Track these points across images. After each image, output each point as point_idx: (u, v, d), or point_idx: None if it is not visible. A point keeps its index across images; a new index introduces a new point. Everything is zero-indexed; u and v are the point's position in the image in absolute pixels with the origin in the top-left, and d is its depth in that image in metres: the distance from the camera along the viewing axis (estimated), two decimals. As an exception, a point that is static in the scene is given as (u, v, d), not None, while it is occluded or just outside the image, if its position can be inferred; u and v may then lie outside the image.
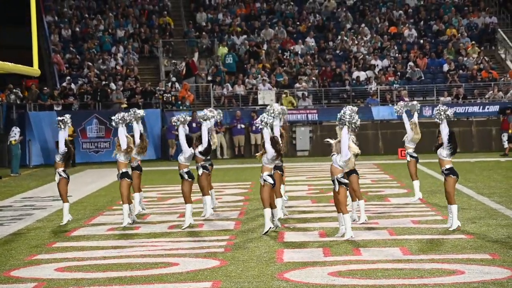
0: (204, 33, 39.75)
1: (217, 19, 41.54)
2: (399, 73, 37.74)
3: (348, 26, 41.36)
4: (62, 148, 15.10)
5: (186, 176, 14.32)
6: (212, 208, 15.93)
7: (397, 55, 39.13)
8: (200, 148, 15.19)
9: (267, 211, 13.16)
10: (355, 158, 13.05)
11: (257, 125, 13.30)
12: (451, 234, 12.76)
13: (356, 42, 39.94)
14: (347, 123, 12.28)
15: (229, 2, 42.73)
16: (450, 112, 13.74)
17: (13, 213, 17.19)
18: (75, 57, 37.58)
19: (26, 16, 18.60)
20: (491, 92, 36.05)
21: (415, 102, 17.15)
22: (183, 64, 37.32)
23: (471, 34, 41.06)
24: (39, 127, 32.39)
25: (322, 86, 36.70)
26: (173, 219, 15.43)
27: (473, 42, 39.88)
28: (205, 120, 15.21)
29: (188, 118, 15.09)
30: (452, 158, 13.31)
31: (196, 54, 38.45)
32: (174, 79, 36.08)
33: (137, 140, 15.44)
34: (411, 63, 38.09)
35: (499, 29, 41.01)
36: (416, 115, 16.90)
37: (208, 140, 15.13)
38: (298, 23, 41.71)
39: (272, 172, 13.26)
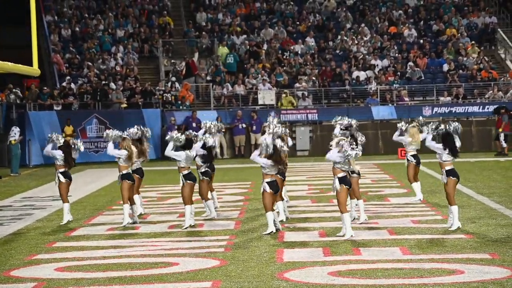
0: (204, 33, 39.76)
1: (217, 19, 41.54)
2: (399, 73, 37.74)
3: (348, 26, 41.37)
4: (57, 153, 15.15)
5: (184, 180, 14.29)
6: (215, 208, 15.93)
7: (397, 55, 39.13)
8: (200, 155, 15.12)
9: (270, 215, 13.16)
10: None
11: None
12: (450, 234, 12.77)
13: (356, 42, 39.94)
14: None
15: (229, 2, 42.73)
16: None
17: (13, 213, 17.19)
18: (75, 57, 37.58)
19: (26, 16, 18.62)
20: (491, 92, 36.05)
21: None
22: (183, 64, 37.32)
23: (471, 34, 41.07)
24: (39, 127, 32.39)
25: (322, 86, 36.70)
26: (173, 219, 15.43)
27: (473, 42, 39.89)
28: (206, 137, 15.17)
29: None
30: (452, 159, 13.27)
31: (196, 54, 38.46)
32: (174, 79, 36.08)
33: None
34: (411, 63, 38.09)
35: (499, 29, 41.02)
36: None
37: (209, 147, 15.05)
38: (298, 23, 41.71)
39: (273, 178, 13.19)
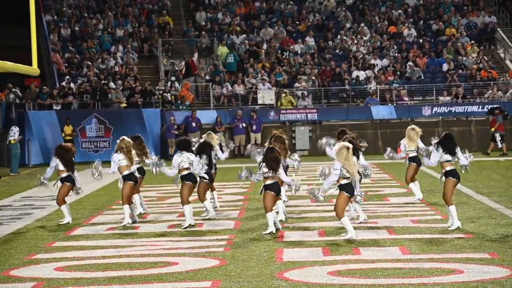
0: (203, 32, 39.76)
1: (216, 18, 41.54)
2: (398, 73, 37.75)
3: (348, 25, 41.37)
4: (54, 162, 15.19)
5: (180, 181, 14.31)
6: (214, 208, 15.92)
7: (396, 54, 39.14)
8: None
9: (270, 215, 13.16)
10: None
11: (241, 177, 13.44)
12: (450, 233, 12.77)
13: (355, 41, 39.95)
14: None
15: (228, 1, 42.73)
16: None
17: (13, 212, 17.19)
18: (74, 56, 37.57)
19: (25, 16, 18.60)
20: (491, 91, 36.06)
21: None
22: (183, 63, 37.32)
23: (471, 33, 41.08)
24: (39, 127, 32.38)
25: (321, 85, 36.71)
26: (172, 219, 15.42)
27: (473, 41, 39.91)
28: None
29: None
30: (453, 158, 13.27)
31: (196, 54, 38.46)
32: (173, 78, 36.07)
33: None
34: (410, 63, 38.10)
35: (498, 29, 41.03)
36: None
37: (209, 157, 15.04)
38: (297, 22, 41.72)
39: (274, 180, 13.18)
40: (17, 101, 33.54)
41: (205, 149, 14.95)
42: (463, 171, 13.45)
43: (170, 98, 35.01)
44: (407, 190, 18.80)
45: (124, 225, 14.50)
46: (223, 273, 10.04)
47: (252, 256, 11.21)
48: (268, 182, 13.10)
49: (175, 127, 33.49)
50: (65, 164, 15.12)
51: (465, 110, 35.17)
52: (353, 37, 40.28)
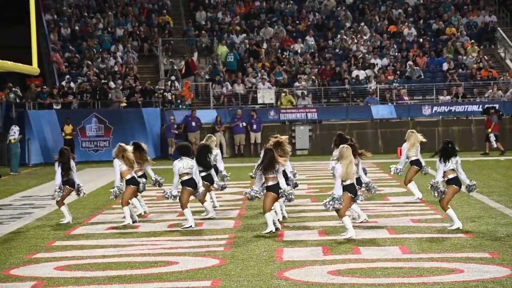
0: (203, 32, 39.75)
1: (216, 17, 41.54)
2: (398, 72, 37.75)
3: (348, 24, 41.37)
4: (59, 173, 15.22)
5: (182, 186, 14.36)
6: (214, 207, 15.92)
7: (396, 54, 39.13)
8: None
9: (269, 215, 13.17)
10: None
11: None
12: (450, 233, 12.77)
13: (355, 41, 39.94)
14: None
15: (228, 1, 42.72)
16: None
17: (13, 211, 17.19)
18: (74, 55, 37.57)
19: (25, 16, 18.60)
20: (491, 91, 36.06)
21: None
22: (182, 63, 37.32)
23: (471, 33, 41.08)
24: (39, 126, 32.38)
25: (321, 85, 36.70)
26: (172, 218, 15.43)
27: (473, 41, 39.90)
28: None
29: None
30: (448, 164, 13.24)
31: (196, 54, 38.45)
32: (173, 78, 36.07)
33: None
34: (410, 62, 38.09)
35: (498, 28, 41.02)
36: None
37: (207, 161, 15.06)
38: (297, 21, 41.71)
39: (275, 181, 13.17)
40: (17, 101, 33.53)
41: (203, 152, 14.98)
42: (467, 192, 13.49)
43: (170, 98, 35.01)
44: (406, 190, 18.80)
45: (125, 225, 14.51)
46: (223, 273, 10.04)
47: (252, 255, 11.21)
48: (270, 183, 13.11)
49: (175, 126, 33.48)
50: (65, 170, 15.19)
51: (465, 110, 35.17)
52: (353, 36, 40.28)
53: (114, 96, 34.41)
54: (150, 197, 18.84)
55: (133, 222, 14.72)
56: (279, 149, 14.03)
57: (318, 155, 33.37)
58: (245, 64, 37.85)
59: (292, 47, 39.30)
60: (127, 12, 41.14)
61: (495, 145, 31.13)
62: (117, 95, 34.42)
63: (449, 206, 13.16)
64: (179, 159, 14.40)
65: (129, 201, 14.91)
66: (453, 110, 35.31)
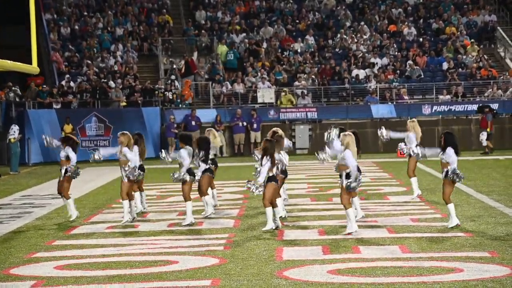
0: (203, 31, 39.76)
1: (216, 17, 41.54)
2: (398, 71, 37.75)
3: (348, 24, 41.38)
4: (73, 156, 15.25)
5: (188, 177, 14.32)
6: (214, 206, 15.92)
7: (396, 53, 39.14)
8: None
9: (269, 210, 13.19)
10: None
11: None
12: (450, 232, 12.78)
13: (355, 40, 39.95)
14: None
15: (228, 0, 42.73)
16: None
17: (12, 211, 17.19)
18: (74, 55, 37.57)
19: (25, 15, 18.60)
20: (490, 90, 36.07)
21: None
22: (182, 62, 37.32)
23: (471, 32, 41.09)
24: (38, 125, 32.37)
25: (321, 84, 36.71)
26: (172, 217, 15.43)
27: (473, 40, 39.91)
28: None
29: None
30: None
31: (195, 53, 38.45)
32: (173, 77, 36.08)
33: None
34: (410, 61, 38.10)
35: (498, 27, 41.03)
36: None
37: (205, 150, 15.06)
38: (297, 21, 41.72)
39: (274, 173, 13.20)
40: (17, 100, 33.54)
41: (202, 144, 14.98)
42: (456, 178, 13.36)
43: (171, 97, 35.02)
44: (407, 189, 18.81)
45: (124, 222, 14.51)
46: (223, 272, 10.05)
47: (251, 254, 11.21)
48: (270, 173, 13.15)
49: (175, 125, 33.48)
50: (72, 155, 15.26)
51: (465, 109, 35.16)
52: (353, 35, 40.28)
53: (114, 96, 34.42)
54: (150, 196, 18.84)
55: (132, 219, 14.70)
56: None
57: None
58: (245, 64, 37.85)
59: (292, 46, 39.31)
60: (127, 12, 41.15)
61: (484, 143, 31.13)
62: (117, 94, 34.43)
63: (451, 200, 13.18)
64: (185, 148, 14.43)
65: (132, 195, 14.92)
66: (453, 110, 35.31)
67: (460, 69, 37.97)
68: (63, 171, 15.27)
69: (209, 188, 15.62)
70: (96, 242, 12.76)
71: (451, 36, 40.29)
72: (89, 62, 36.73)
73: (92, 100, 34.16)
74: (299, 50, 39.14)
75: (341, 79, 37.09)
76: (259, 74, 36.84)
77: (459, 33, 40.50)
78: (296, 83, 36.52)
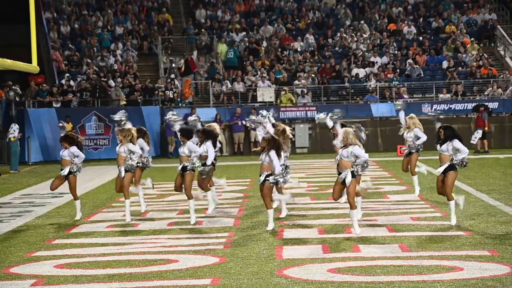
0: (203, 30, 39.74)
1: (216, 16, 41.53)
2: (398, 70, 37.75)
3: (348, 23, 41.37)
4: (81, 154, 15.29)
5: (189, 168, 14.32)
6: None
7: (396, 52, 39.14)
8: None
9: (270, 212, 13.19)
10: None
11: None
12: (450, 230, 12.78)
13: (355, 39, 39.94)
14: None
15: (228, -1, 42.77)
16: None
17: (12, 210, 17.19)
18: (74, 54, 37.56)
19: (25, 14, 18.59)
20: (490, 89, 36.06)
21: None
22: (182, 61, 37.31)
23: (471, 31, 41.08)
24: (38, 124, 32.37)
25: (321, 83, 36.70)
26: (172, 216, 15.43)
27: (473, 39, 39.90)
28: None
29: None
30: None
31: (195, 52, 38.44)
32: (173, 76, 36.07)
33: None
34: (410, 60, 38.09)
35: (498, 26, 41.02)
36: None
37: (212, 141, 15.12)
38: (297, 20, 41.71)
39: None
40: (17, 99, 33.53)
41: (211, 136, 15.04)
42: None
43: (172, 96, 35.01)
44: (407, 187, 18.82)
45: (128, 222, 14.56)
46: (223, 271, 10.05)
47: (251, 253, 11.21)
48: (266, 172, 13.16)
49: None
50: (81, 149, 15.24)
51: (465, 108, 35.15)
52: (353, 34, 40.28)
53: (114, 94, 34.41)
54: (150, 195, 18.84)
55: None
56: (281, 137, 14.18)
57: (317, 153, 33.39)
58: (244, 63, 37.84)
59: (291, 45, 39.30)
60: (127, 10, 41.14)
61: (475, 142, 31.08)
62: (117, 93, 34.42)
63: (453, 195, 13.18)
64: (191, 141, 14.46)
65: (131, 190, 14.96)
66: (452, 108, 35.30)
67: (460, 68, 37.96)
68: (66, 171, 15.17)
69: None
70: (96, 241, 12.77)
71: (451, 34, 40.29)
72: (89, 61, 36.73)
73: (92, 99, 34.15)
74: (299, 49, 39.13)
75: (341, 78, 37.09)
76: (259, 73, 36.83)
77: (459, 31, 40.49)
78: (296, 82, 36.51)
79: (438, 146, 13.26)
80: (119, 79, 35.56)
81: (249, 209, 16.13)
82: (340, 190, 12.81)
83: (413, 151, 17.13)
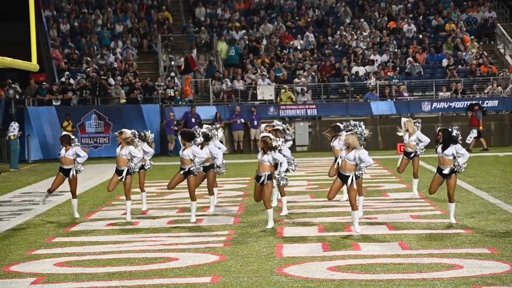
0: (203, 28, 39.72)
1: (216, 14, 41.51)
2: (398, 68, 37.74)
3: (347, 21, 41.35)
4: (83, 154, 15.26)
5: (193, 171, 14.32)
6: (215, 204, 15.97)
7: (396, 50, 39.12)
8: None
9: (271, 211, 13.20)
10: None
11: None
12: (449, 228, 12.78)
13: (355, 37, 39.93)
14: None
15: (228, -3, 42.74)
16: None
17: (12, 208, 17.19)
18: (73, 52, 37.55)
19: (25, 12, 18.59)
20: (490, 87, 36.06)
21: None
22: (182, 59, 37.30)
23: (470, 29, 41.06)
24: (38, 122, 32.37)
25: (321, 81, 36.70)
26: (172, 214, 15.43)
27: (472, 37, 39.89)
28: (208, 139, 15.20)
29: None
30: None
31: (195, 50, 38.42)
32: (173, 74, 36.06)
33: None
34: (410, 58, 38.09)
35: (498, 24, 41.01)
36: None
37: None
38: (297, 18, 41.69)
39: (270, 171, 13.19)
40: (17, 97, 33.53)
41: (210, 138, 15.09)
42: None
43: (173, 94, 35.00)
44: (406, 186, 18.82)
45: (128, 221, 14.55)
46: (223, 269, 10.05)
47: (251, 251, 11.21)
48: (266, 172, 13.16)
49: (175, 123, 33.48)
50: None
51: (465, 106, 35.15)
52: (353, 32, 40.26)
53: (114, 93, 34.40)
54: (150, 193, 18.84)
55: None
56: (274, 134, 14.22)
57: (317, 151, 33.39)
58: (244, 61, 37.83)
59: (291, 43, 39.28)
60: (126, 8, 41.11)
61: (470, 141, 31.10)
62: (116, 91, 34.42)
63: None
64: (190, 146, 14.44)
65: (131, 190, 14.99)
66: (452, 106, 35.30)
67: (460, 66, 37.96)
68: (72, 171, 15.10)
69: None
70: (96, 239, 12.77)
71: (451, 33, 40.27)
72: (89, 59, 36.72)
73: (92, 97, 34.14)
74: (298, 47, 39.11)
75: (340, 76, 37.08)
76: (259, 71, 36.82)
77: (459, 30, 40.48)
78: (296, 80, 36.50)
79: (439, 149, 13.25)
80: (119, 77, 35.55)
81: (249, 207, 16.13)
82: (337, 190, 12.84)
83: (418, 154, 17.13)
